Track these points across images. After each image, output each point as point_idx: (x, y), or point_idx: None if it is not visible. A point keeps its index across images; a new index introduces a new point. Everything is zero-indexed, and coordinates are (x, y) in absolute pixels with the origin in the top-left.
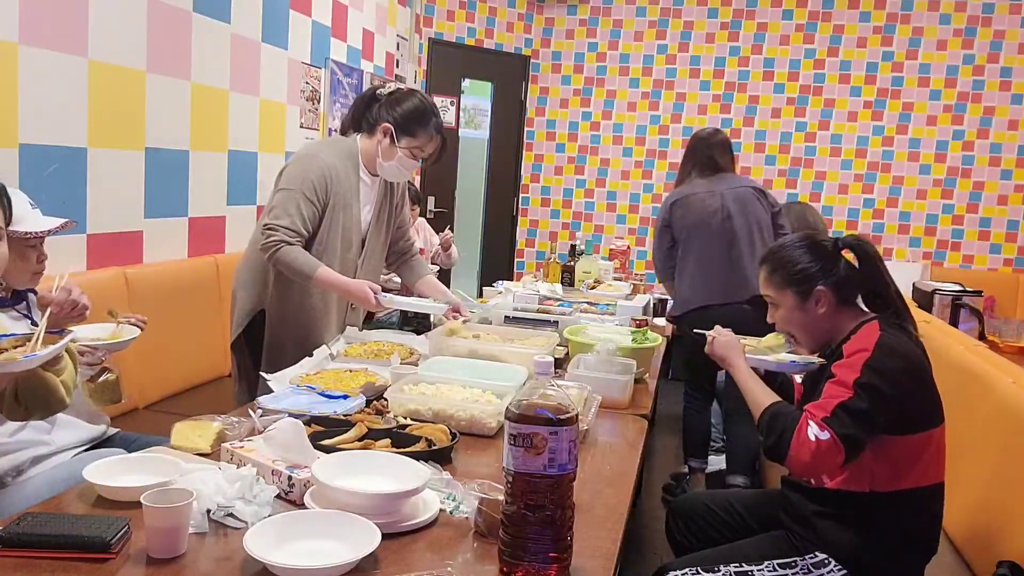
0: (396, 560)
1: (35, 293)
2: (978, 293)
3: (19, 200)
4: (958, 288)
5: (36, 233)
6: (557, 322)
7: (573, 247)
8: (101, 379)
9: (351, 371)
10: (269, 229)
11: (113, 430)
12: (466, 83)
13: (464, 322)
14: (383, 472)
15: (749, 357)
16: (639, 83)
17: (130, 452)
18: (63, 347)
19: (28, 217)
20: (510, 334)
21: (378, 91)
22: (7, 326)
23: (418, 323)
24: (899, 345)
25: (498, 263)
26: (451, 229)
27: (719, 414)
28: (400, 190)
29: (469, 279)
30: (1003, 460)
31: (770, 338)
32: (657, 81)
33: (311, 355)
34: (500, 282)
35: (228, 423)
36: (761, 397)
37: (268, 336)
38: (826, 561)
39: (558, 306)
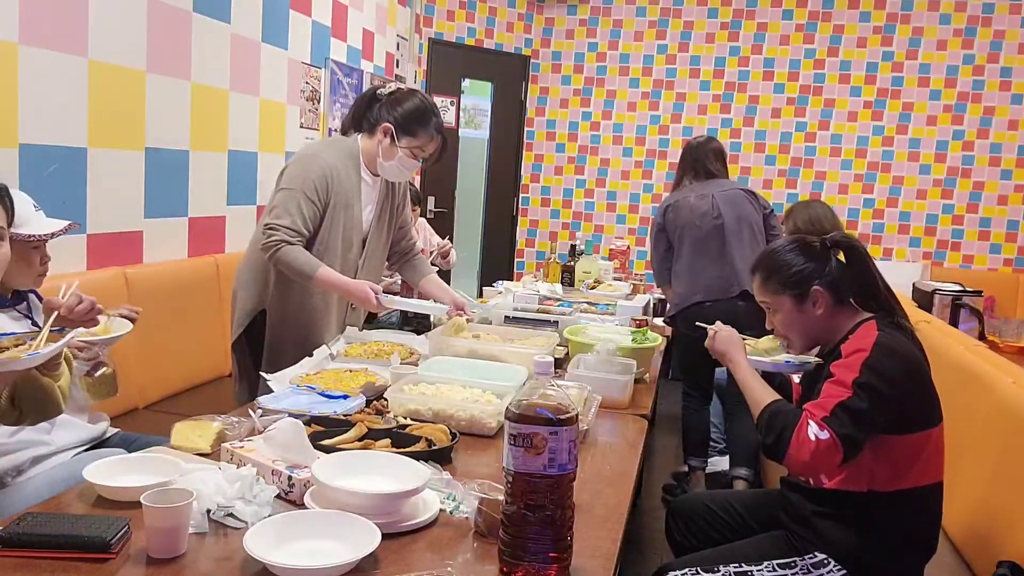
0: (396, 560)
1: (38, 296)
2: (978, 293)
3: (23, 202)
4: (958, 288)
5: (40, 236)
6: (557, 322)
7: (573, 247)
8: (98, 373)
9: (351, 371)
10: (270, 229)
11: (113, 430)
12: (466, 83)
13: (468, 320)
14: (383, 472)
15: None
16: (639, 83)
17: (130, 452)
18: (65, 345)
19: (32, 220)
20: (510, 334)
21: (378, 91)
22: (6, 326)
23: (418, 323)
24: (897, 345)
25: (498, 263)
26: (451, 239)
27: (719, 414)
28: (401, 190)
29: (469, 279)
30: (1003, 460)
31: (765, 341)
32: (657, 81)
33: (311, 355)
34: (500, 282)
35: (228, 423)
36: (761, 395)
37: (269, 336)
38: (825, 561)
39: (558, 306)
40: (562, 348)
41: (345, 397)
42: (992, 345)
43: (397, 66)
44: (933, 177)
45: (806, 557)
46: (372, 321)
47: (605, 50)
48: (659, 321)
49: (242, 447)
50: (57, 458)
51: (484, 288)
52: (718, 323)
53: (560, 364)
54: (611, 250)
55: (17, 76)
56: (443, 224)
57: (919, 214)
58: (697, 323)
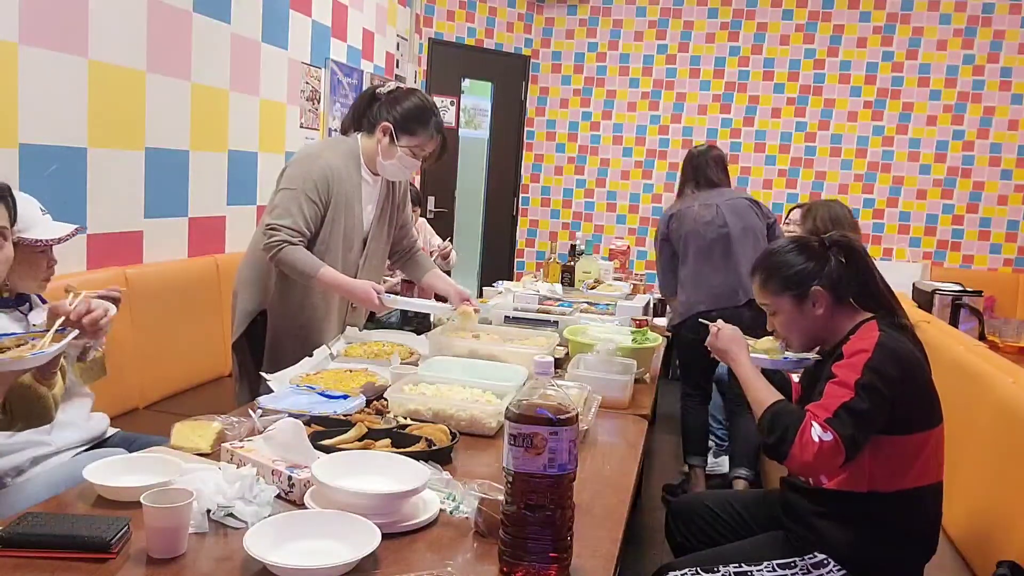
0: (396, 560)
1: (42, 299)
2: (978, 293)
3: (30, 206)
4: (958, 288)
5: (47, 241)
6: (557, 322)
7: (573, 247)
8: (90, 358)
9: (351, 371)
10: (271, 229)
11: (113, 430)
12: (466, 83)
13: (476, 311)
14: (383, 472)
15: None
16: (639, 83)
17: (130, 452)
18: (67, 345)
19: (39, 223)
20: (510, 334)
21: (378, 90)
22: (6, 327)
23: (418, 323)
24: (899, 345)
25: (498, 263)
26: (451, 239)
27: (720, 410)
28: (402, 189)
29: (469, 279)
30: (1003, 460)
31: (765, 341)
32: (657, 81)
33: (312, 355)
34: (500, 282)
35: (228, 423)
36: (763, 394)
37: (270, 336)
38: (825, 561)
39: (558, 306)
40: (562, 348)
41: (345, 397)
42: (992, 345)
43: (397, 66)
44: (933, 177)
45: (806, 557)
46: (372, 321)
47: (605, 50)
48: (659, 321)
49: (242, 447)
50: (57, 458)
51: (484, 288)
52: (720, 321)
53: (560, 364)
54: (611, 250)
55: (17, 76)
56: (443, 224)
57: (919, 214)
58: (700, 319)
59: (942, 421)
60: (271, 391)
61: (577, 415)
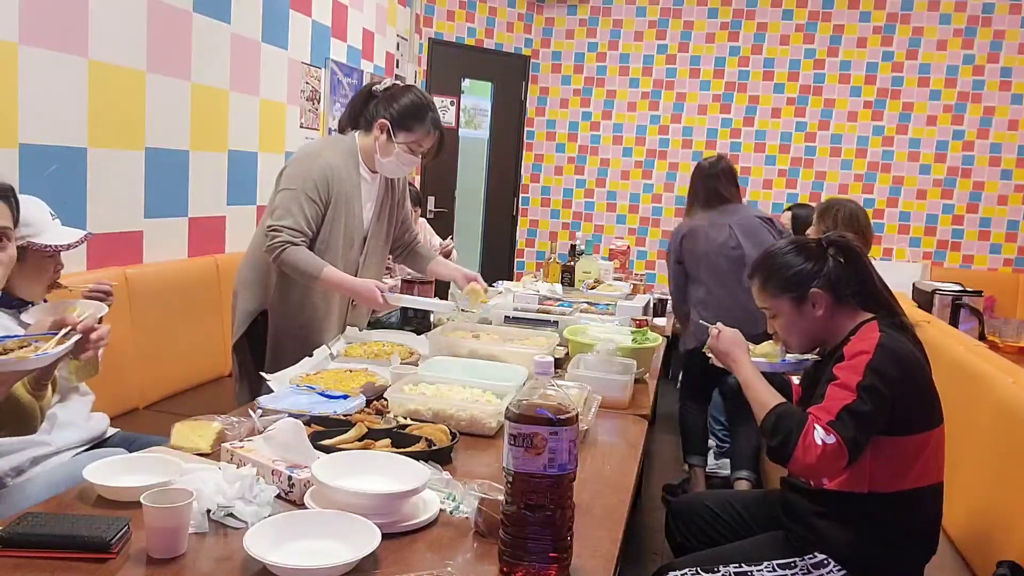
0: (396, 560)
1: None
2: (978, 293)
3: (40, 210)
4: (958, 288)
5: (57, 246)
6: (557, 322)
7: (573, 247)
8: (84, 356)
9: (351, 371)
10: (273, 230)
11: (113, 430)
12: (466, 83)
13: (485, 290)
14: (383, 472)
15: None
16: (639, 83)
17: (130, 452)
18: (70, 348)
19: (49, 228)
20: (510, 334)
21: (374, 88)
22: (6, 325)
23: (418, 323)
24: (899, 346)
25: (498, 263)
26: (452, 238)
27: (720, 410)
28: (400, 186)
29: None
30: (1003, 460)
31: (765, 346)
32: (657, 81)
33: (311, 355)
34: (500, 282)
35: (228, 423)
36: (765, 396)
37: (271, 336)
38: (825, 561)
39: (558, 306)
40: (562, 348)
41: (345, 397)
42: (992, 345)
43: (397, 66)
44: (933, 177)
45: (806, 557)
46: (372, 320)
47: (605, 50)
48: (659, 321)
49: (242, 447)
50: (57, 458)
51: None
52: (719, 324)
53: (560, 364)
54: (611, 250)
55: (17, 76)
56: (443, 224)
57: (919, 214)
58: (701, 320)
59: (942, 422)
60: (271, 391)
61: (577, 415)
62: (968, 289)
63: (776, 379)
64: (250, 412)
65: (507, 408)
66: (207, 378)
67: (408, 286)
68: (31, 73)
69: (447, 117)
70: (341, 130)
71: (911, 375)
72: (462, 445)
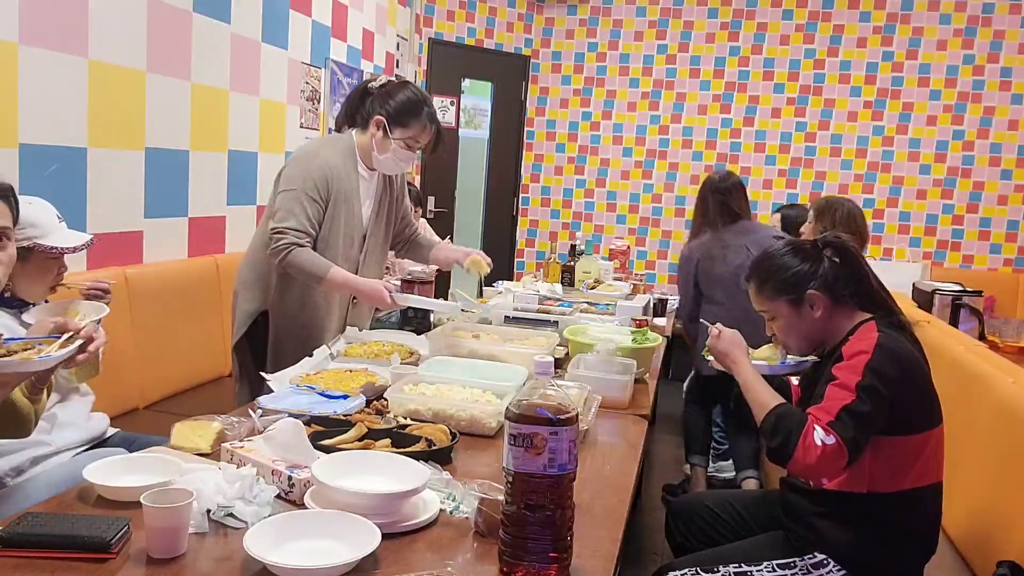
0: (396, 560)
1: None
2: (978, 293)
3: (47, 213)
4: (958, 288)
5: (63, 249)
6: (557, 322)
7: (573, 247)
8: (81, 357)
9: (351, 371)
10: (277, 233)
11: (113, 430)
12: (466, 83)
13: (488, 263)
14: (383, 472)
15: None
16: (639, 83)
17: (130, 452)
18: (73, 351)
19: (55, 230)
20: (510, 334)
21: (370, 85)
22: (9, 325)
23: (418, 323)
24: (898, 346)
25: (498, 263)
26: (451, 239)
27: (718, 412)
28: (399, 182)
29: (469, 279)
30: (1003, 460)
31: (764, 349)
32: (657, 81)
33: (312, 355)
34: (500, 282)
35: (228, 423)
36: (765, 397)
37: (272, 336)
38: (825, 561)
39: (558, 306)
40: (562, 348)
41: (345, 397)
42: (992, 345)
43: (397, 66)
44: (933, 177)
45: (806, 557)
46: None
47: (605, 50)
48: (659, 321)
49: (242, 447)
50: (57, 458)
51: (484, 288)
52: (719, 324)
53: (560, 364)
54: (611, 250)
55: (17, 76)
56: (443, 224)
57: (919, 214)
58: (701, 319)
59: (942, 421)
60: (271, 391)
61: (577, 415)
62: (968, 289)
63: (775, 380)
64: (250, 412)
65: (507, 408)
66: (207, 378)
67: (408, 286)
68: (31, 73)
69: (447, 117)
70: (338, 128)
71: (910, 375)
72: (462, 445)
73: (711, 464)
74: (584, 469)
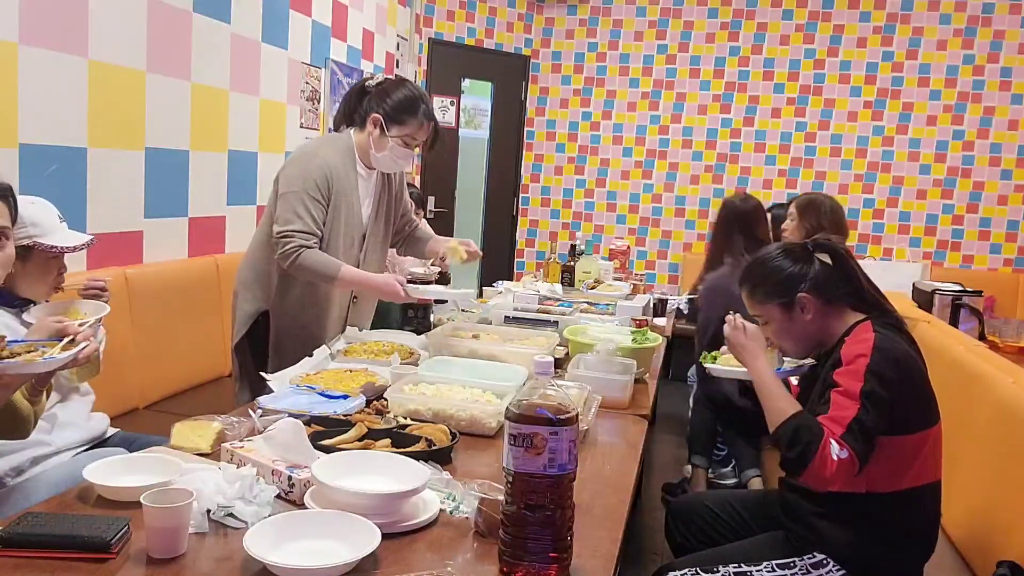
0: (396, 560)
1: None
2: (978, 293)
3: (48, 213)
4: (958, 288)
5: (63, 248)
6: (557, 322)
7: (573, 247)
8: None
9: (351, 371)
10: (284, 236)
11: (113, 430)
12: (466, 83)
13: (469, 252)
14: (383, 472)
15: (737, 371)
16: (639, 83)
17: (130, 452)
18: (77, 354)
19: (56, 230)
20: (510, 334)
21: (367, 83)
22: (10, 325)
23: (418, 323)
24: (895, 346)
25: (498, 263)
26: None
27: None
28: (398, 180)
29: (469, 279)
30: (1003, 460)
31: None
32: (657, 81)
33: (312, 355)
34: (500, 282)
35: (228, 423)
36: (782, 403)
37: (273, 337)
38: (825, 561)
39: (558, 306)
40: (562, 348)
41: (345, 397)
42: (992, 345)
43: (397, 66)
44: (933, 177)
45: (805, 557)
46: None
47: (605, 50)
48: (659, 321)
49: (242, 447)
50: (57, 458)
51: (484, 288)
52: (738, 315)
53: (560, 364)
54: (611, 250)
55: (17, 76)
56: (443, 224)
57: (919, 214)
58: (730, 310)
59: (939, 420)
60: (271, 391)
61: (577, 415)
62: (968, 289)
63: None
64: (250, 412)
65: (507, 408)
66: (207, 378)
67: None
68: (31, 73)
69: (447, 117)
70: (336, 128)
71: (908, 375)
72: (462, 445)
73: (711, 470)
74: (584, 469)
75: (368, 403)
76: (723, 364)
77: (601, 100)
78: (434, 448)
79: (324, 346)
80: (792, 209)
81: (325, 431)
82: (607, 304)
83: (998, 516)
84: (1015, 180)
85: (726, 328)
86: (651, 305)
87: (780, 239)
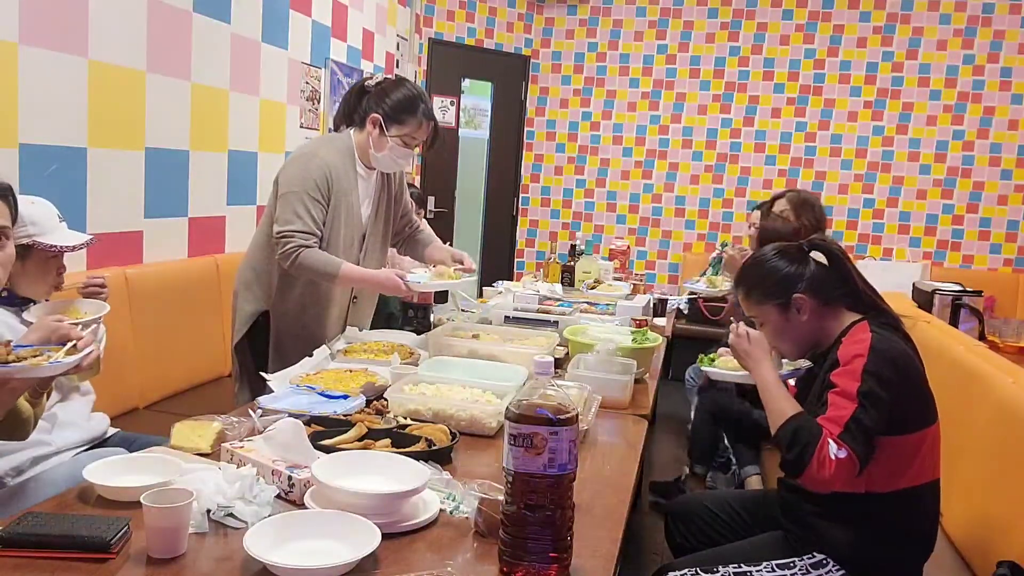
0: (396, 560)
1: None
2: (978, 293)
3: (48, 212)
4: (958, 288)
5: (61, 247)
6: (557, 322)
7: (573, 247)
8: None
9: (351, 371)
10: (284, 237)
11: (113, 430)
12: (466, 83)
13: (458, 271)
14: (383, 472)
15: (735, 374)
16: (639, 83)
17: (130, 452)
18: (81, 359)
19: (56, 230)
20: (510, 334)
21: (366, 83)
22: (10, 324)
23: (418, 323)
24: (891, 346)
25: (498, 263)
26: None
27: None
28: (397, 179)
29: (469, 279)
30: (1003, 460)
31: None
32: (657, 81)
33: (312, 355)
34: (500, 282)
35: (228, 423)
36: (783, 404)
37: (273, 337)
38: (824, 561)
39: (558, 306)
40: (562, 348)
41: (345, 397)
42: (992, 345)
43: (397, 66)
44: (933, 177)
45: (805, 557)
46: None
47: (605, 50)
48: (659, 321)
49: (242, 447)
50: (57, 458)
51: (484, 288)
52: (742, 324)
53: (560, 364)
54: (611, 250)
55: (17, 76)
56: (443, 224)
57: (919, 214)
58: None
59: (937, 419)
60: (271, 391)
61: (577, 415)
62: (968, 289)
63: None
64: (250, 412)
65: (507, 408)
66: (207, 378)
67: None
68: (31, 73)
69: (447, 117)
70: (336, 128)
71: (906, 375)
72: (462, 445)
73: (709, 476)
74: (584, 469)
75: (368, 403)
76: (722, 366)
77: (601, 100)
78: (434, 448)
79: (324, 346)
80: (785, 205)
81: (325, 431)
82: (607, 304)
83: (998, 516)
84: (1015, 180)
85: (730, 336)
86: (651, 305)
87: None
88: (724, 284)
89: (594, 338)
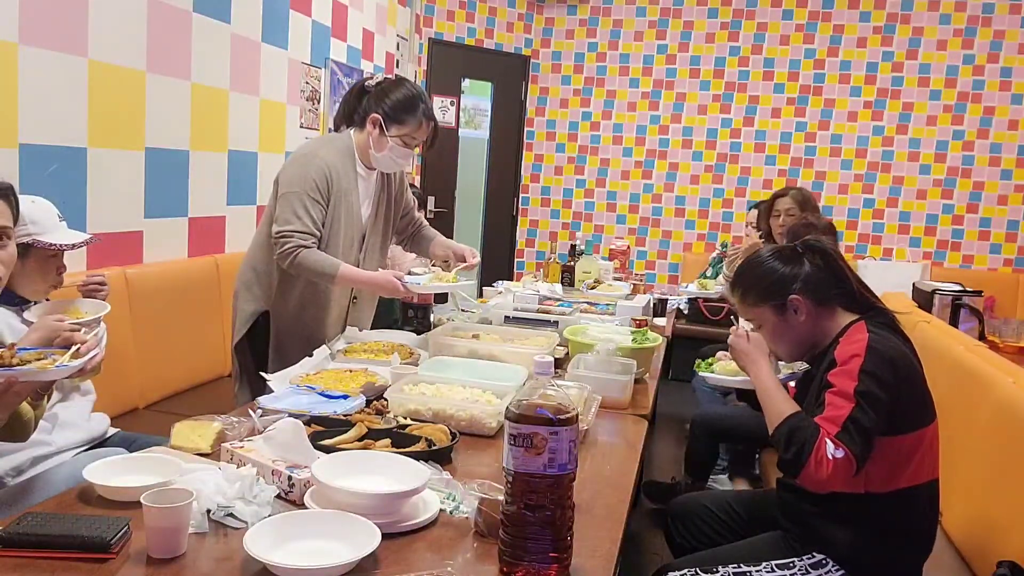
0: (396, 560)
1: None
2: (978, 293)
3: (48, 211)
4: (958, 288)
5: (61, 245)
6: (557, 322)
7: (573, 247)
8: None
9: (351, 371)
10: (283, 237)
11: (113, 430)
12: (466, 83)
13: (462, 268)
14: (383, 472)
15: (733, 379)
16: (639, 83)
17: (130, 452)
18: (86, 362)
19: (55, 229)
20: (510, 334)
21: (366, 83)
22: (11, 323)
23: (418, 323)
24: (889, 346)
25: (498, 263)
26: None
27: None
28: (397, 179)
29: (469, 279)
30: (1003, 460)
31: None
32: (657, 81)
33: (311, 355)
34: (500, 282)
35: (228, 423)
36: (781, 405)
37: (274, 337)
38: (824, 561)
39: (558, 306)
40: (562, 348)
41: (345, 397)
42: (992, 345)
43: (397, 66)
44: (933, 177)
45: (804, 557)
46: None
47: (605, 50)
48: (659, 321)
49: (242, 447)
50: (57, 458)
51: (484, 288)
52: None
53: (560, 364)
54: (611, 250)
55: (17, 76)
56: (443, 224)
57: (919, 214)
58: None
59: (935, 418)
60: (271, 391)
61: (577, 415)
62: (968, 289)
63: None
64: (250, 412)
65: (507, 408)
66: (207, 378)
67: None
68: (31, 73)
69: (447, 117)
70: (336, 128)
71: (904, 375)
72: (462, 445)
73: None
74: (584, 469)
75: (368, 403)
76: (720, 371)
77: (601, 100)
78: (434, 448)
79: (324, 346)
80: (791, 203)
81: (325, 431)
82: (607, 304)
83: (998, 516)
84: (1015, 180)
85: (730, 337)
86: (651, 305)
87: (774, 231)
88: (715, 287)
89: (594, 338)
